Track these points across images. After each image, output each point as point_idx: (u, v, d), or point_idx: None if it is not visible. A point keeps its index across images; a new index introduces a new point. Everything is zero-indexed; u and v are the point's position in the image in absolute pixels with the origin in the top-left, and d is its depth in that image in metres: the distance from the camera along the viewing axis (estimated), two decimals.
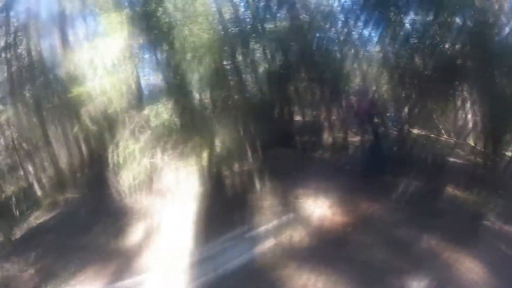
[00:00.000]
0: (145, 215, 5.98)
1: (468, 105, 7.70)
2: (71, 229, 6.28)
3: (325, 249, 4.71)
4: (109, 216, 6.19)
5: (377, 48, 7.44)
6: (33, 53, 8.66)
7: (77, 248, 5.51)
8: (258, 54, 7.55)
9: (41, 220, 7.65)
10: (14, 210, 7.72)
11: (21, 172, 8.75)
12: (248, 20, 7.37)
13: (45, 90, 8.55)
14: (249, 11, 7.40)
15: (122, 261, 5.07)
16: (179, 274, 4.55)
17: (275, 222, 5.26)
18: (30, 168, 8.80)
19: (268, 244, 4.85)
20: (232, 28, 7.15)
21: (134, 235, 5.70)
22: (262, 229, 5.16)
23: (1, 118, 8.87)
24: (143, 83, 7.28)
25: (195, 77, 6.31)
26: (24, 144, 8.94)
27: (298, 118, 7.99)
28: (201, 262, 4.71)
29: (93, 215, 6.49)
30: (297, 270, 4.37)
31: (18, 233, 7.20)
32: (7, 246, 6.64)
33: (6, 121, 8.79)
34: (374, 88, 7.61)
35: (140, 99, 6.82)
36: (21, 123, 8.68)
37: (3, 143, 9.01)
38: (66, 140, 8.95)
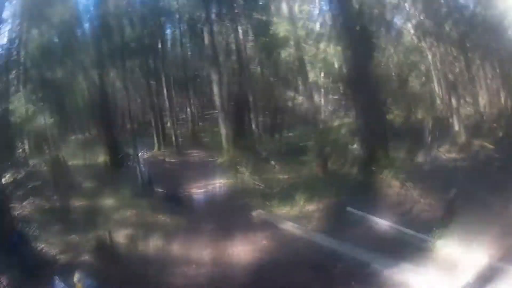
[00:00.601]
0: None
1: None
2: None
3: None
4: None
5: None
6: None
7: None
8: None
9: (449, 156, 7.83)
10: (426, 137, 8.01)
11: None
12: None
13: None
14: None
15: None
16: None
17: None
18: (453, 101, 9.03)
19: None
20: None
21: None
22: None
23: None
24: None
25: None
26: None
27: None
28: None
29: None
30: None
31: (421, 159, 7.52)
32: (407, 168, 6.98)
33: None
34: None
35: None
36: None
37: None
38: (490, 84, 9.05)
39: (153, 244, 6.59)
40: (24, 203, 7.41)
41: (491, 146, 8.06)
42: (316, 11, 11.07)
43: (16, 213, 6.83)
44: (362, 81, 8.06)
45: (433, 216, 5.60)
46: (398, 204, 5.95)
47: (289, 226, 6.31)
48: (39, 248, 6.27)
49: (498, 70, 9.43)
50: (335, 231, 5.63)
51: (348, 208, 5.86)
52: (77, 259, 6.14)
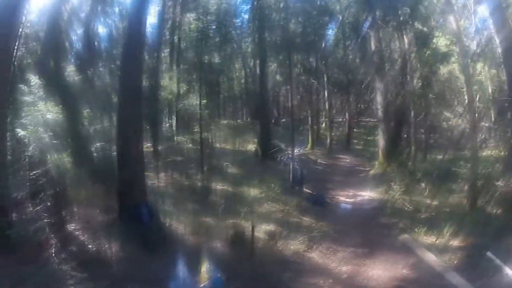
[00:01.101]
0: None
1: None
2: None
3: None
4: None
5: None
6: None
7: None
8: None
9: None
10: None
11: None
12: None
13: None
14: None
15: None
16: None
17: None
18: None
19: None
20: None
21: None
22: None
23: None
24: None
25: None
26: None
27: None
28: None
29: None
30: None
31: None
32: None
33: None
34: None
35: None
36: None
37: None
38: None
39: (291, 246, 5.99)
40: (160, 175, 7.20)
41: None
42: (473, 29, 10.49)
43: (149, 183, 6.44)
44: None
45: None
46: None
47: (430, 259, 5.78)
48: (167, 224, 5.75)
49: None
50: (471, 273, 5.09)
51: (488, 253, 5.27)
52: (208, 246, 5.49)
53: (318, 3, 12.66)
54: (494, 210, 7.03)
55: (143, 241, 4.88)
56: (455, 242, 6.16)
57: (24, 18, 5.77)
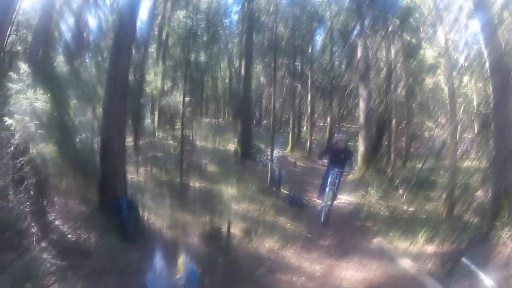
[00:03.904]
0: None
1: None
2: None
3: None
4: None
5: None
6: None
7: None
8: None
9: None
10: None
11: None
12: None
13: None
14: None
15: None
16: None
17: None
18: None
19: None
20: None
21: None
22: None
23: None
24: None
25: None
26: None
27: None
28: None
29: None
30: None
31: None
32: None
33: None
34: None
35: None
36: None
37: None
38: None
39: (266, 244, 6.14)
40: (140, 170, 7.27)
41: None
42: (462, 42, 10.72)
43: (130, 176, 6.53)
44: (499, 126, 7.29)
45: None
46: (508, 266, 5.31)
47: (404, 262, 5.87)
48: (145, 217, 5.84)
49: None
50: (445, 279, 5.14)
51: (463, 259, 5.37)
52: (184, 240, 5.64)
53: (308, 8, 12.87)
54: (471, 219, 7.17)
55: (122, 233, 4.97)
56: (430, 248, 6.28)
57: (18, 4, 5.76)
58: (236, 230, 6.26)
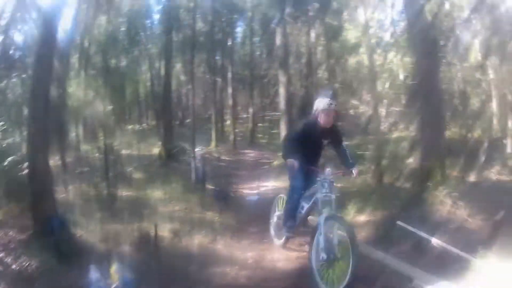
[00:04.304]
0: None
1: None
2: None
3: None
4: None
5: None
6: None
7: None
8: None
9: (500, 178, 7.67)
10: (480, 157, 7.87)
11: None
12: None
13: None
14: None
15: None
16: None
17: None
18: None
19: None
20: None
21: None
22: None
23: None
24: None
25: None
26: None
27: None
28: None
29: None
30: None
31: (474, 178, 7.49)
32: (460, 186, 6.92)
33: None
34: None
35: None
36: None
37: None
38: None
39: (195, 241, 6.46)
40: (69, 188, 7.44)
41: None
42: (388, 21, 11.38)
43: (59, 196, 6.69)
44: (426, 95, 7.92)
45: (480, 236, 5.40)
46: (447, 222, 5.77)
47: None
48: (78, 235, 6.12)
49: None
50: (382, 244, 5.38)
51: (399, 222, 5.50)
52: (116, 250, 5.92)
53: (228, 1, 13.18)
54: (402, 185, 7.45)
55: (58, 254, 5.21)
56: (362, 218, 6.48)
57: None
58: (165, 232, 6.57)
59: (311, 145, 5.01)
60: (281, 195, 6.13)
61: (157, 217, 7.03)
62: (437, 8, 8.84)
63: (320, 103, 4.86)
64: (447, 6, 9.71)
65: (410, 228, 5.33)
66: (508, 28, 8.42)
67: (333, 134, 5.09)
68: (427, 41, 8.01)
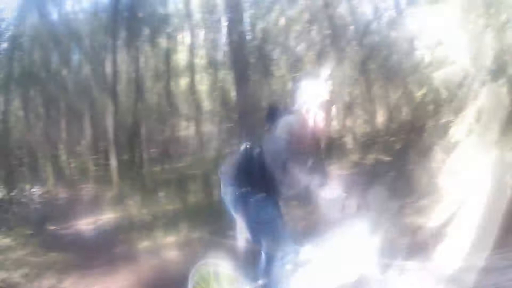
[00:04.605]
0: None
1: None
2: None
3: None
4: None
5: None
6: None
7: None
8: None
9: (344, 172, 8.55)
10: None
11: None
12: None
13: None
14: None
15: None
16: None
17: None
18: (347, 121, 10.05)
19: None
20: None
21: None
22: None
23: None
24: None
25: None
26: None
27: None
28: None
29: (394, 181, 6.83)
30: None
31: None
32: None
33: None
34: None
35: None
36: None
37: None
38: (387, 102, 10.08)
39: (44, 283, 6.59)
40: None
41: (387, 159, 9.12)
42: (222, 40, 11.87)
43: None
44: (241, 107, 8.86)
45: None
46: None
47: (171, 254, 6.68)
48: None
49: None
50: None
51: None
52: None
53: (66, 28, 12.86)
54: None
55: None
56: (195, 234, 6.85)
57: None
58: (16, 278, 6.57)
59: (283, 167, 2.92)
60: None
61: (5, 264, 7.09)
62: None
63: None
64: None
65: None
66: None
67: (315, 148, 3.26)
68: (241, 61, 9.06)
